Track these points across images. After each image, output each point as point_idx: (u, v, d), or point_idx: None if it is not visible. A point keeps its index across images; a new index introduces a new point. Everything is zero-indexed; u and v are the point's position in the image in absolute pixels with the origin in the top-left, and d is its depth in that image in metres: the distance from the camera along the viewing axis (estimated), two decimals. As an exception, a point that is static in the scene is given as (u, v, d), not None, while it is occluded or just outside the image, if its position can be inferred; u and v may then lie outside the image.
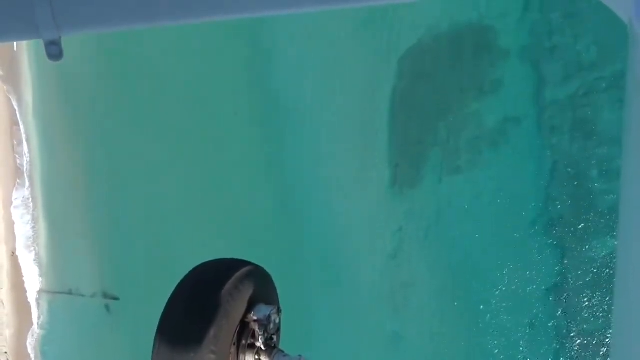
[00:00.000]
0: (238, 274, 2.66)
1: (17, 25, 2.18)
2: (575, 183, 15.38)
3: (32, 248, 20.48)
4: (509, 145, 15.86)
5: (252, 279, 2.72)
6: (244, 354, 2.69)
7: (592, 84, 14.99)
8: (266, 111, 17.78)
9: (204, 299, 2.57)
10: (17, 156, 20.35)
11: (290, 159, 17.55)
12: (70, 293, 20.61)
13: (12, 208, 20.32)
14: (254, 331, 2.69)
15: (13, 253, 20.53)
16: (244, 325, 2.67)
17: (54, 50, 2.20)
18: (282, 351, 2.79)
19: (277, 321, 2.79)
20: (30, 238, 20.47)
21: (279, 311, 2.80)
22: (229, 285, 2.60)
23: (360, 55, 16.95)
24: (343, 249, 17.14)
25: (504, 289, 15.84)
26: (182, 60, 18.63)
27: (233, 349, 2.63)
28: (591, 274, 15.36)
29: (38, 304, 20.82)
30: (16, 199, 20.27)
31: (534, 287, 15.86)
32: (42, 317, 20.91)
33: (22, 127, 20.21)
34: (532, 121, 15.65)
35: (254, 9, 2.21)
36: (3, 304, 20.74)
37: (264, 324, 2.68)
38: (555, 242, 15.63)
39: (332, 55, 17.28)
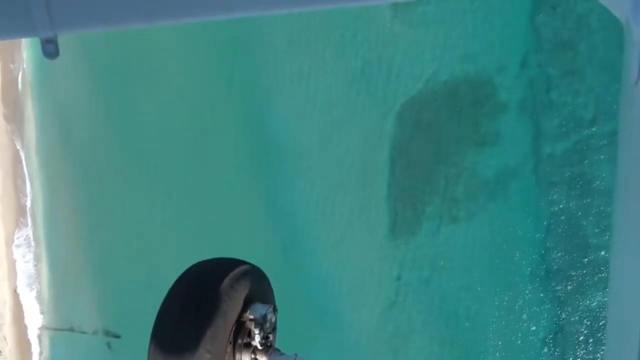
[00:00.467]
0: (234, 273, 2.67)
1: (14, 23, 2.20)
2: (572, 236, 15.49)
3: (34, 286, 20.66)
4: (506, 197, 15.98)
5: (248, 278, 2.72)
6: (240, 352, 2.68)
7: (589, 140, 15.11)
8: (264, 158, 17.93)
9: (200, 298, 2.57)
10: (20, 194, 20.53)
11: (288, 207, 17.69)
12: (71, 330, 20.77)
13: (14, 246, 20.50)
14: (250, 330, 2.70)
15: (15, 290, 20.72)
16: (240, 324, 2.67)
17: (50, 49, 2.22)
18: (279, 350, 2.79)
19: (273, 320, 2.79)
20: (32, 276, 20.65)
21: (275, 310, 2.80)
22: (224, 285, 2.61)
23: (359, 103, 17.09)
24: (341, 296, 17.27)
25: (500, 341, 15.97)
26: (181, 106, 18.80)
27: (229, 348, 2.62)
28: (586, 326, 15.48)
29: (40, 341, 21.00)
30: (18, 237, 20.45)
31: (532, 337, 16.00)
32: (43, 353, 21.09)
33: (25, 165, 20.39)
34: (530, 174, 15.77)
35: (252, 8, 2.23)
36: (5, 339, 20.92)
37: (260, 322, 2.68)
38: (551, 294, 15.75)
39: (331, 102, 17.43)
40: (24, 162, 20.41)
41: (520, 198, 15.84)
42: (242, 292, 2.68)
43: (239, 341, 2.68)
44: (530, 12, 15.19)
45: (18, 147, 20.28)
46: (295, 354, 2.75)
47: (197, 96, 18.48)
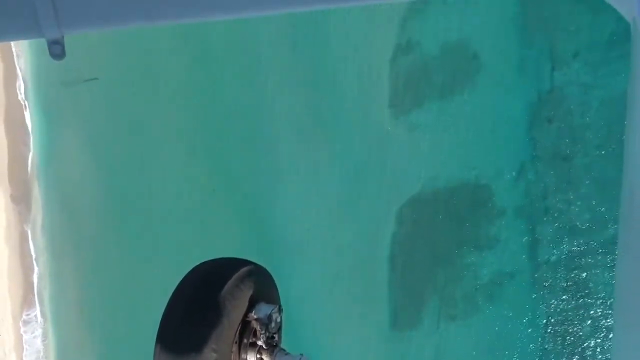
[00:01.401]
0: (239, 273, 2.65)
1: (20, 25, 2.20)
2: (568, 338, 15.90)
3: (42, 361, 21.08)
4: (503, 298, 16.38)
5: (253, 278, 2.71)
6: (246, 352, 2.67)
7: (584, 248, 15.49)
8: (265, 248, 18.26)
9: (205, 298, 2.56)
10: (28, 271, 20.92)
11: (289, 298, 17.99)
12: (78, 404, 21.16)
13: (21, 322, 20.90)
14: (255, 330, 2.68)
15: (23, 366, 21.12)
16: (245, 324, 2.67)
17: (57, 50, 2.22)
18: (284, 350, 2.79)
19: (279, 320, 2.77)
20: (40, 351, 21.06)
21: (280, 310, 2.78)
22: (229, 285, 2.59)
23: (361, 199, 17.45)
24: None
25: None
26: (182, 191, 19.20)
27: (235, 348, 2.61)
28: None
29: (47, 413, 21.40)
30: (28, 313, 20.84)
31: None
32: None
33: (32, 245, 20.78)
34: (527, 277, 16.17)
35: (255, 8, 2.24)
36: (13, 412, 21.33)
37: (265, 322, 2.67)
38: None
39: (334, 194, 17.78)
40: (30, 241, 20.80)
41: (517, 299, 16.23)
42: (248, 291, 2.67)
43: (245, 341, 2.67)
44: (528, 124, 15.56)
45: (25, 227, 20.66)
46: (301, 354, 2.77)
47: (199, 189, 18.87)
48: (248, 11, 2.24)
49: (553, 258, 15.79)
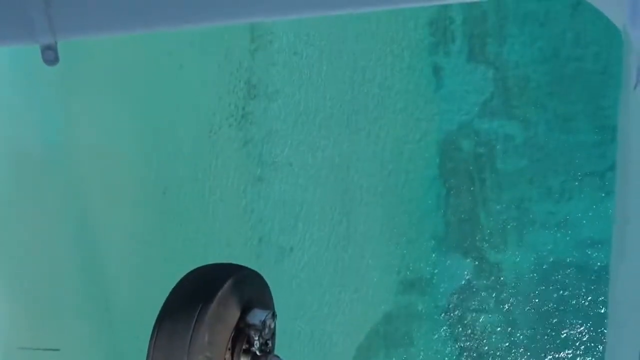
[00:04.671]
0: (232, 279, 2.65)
1: (13, 30, 2.22)
2: None
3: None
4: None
5: (247, 284, 2.72)
6: (239, 359, 2.66)
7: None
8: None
9: (198, 304, 2.53)
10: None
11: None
12: None
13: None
14: (249, 336, 2.67)
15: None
16: (239, 331, 2.66)
17: (50, 56, 2.23)
18: (278, 356, 2.78)
19: (272, 326, 2.76)
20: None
21: (274, 316, 2.78)
22: (223, 290, 2.58)
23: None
24: None
25: None
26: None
27: (228, 355, 2.60)
28: None
29: None
30: None
31: None
32: None
33: None
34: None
35: (253, 14, 2.23)
36: None
37: (259, 329, 2.66)
38: None
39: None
40: None
41: None
42: (241, 297, 2.67)
43: (238, 347, 2.66)
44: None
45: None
46: None
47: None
48: (248, 16, 2.26)
49: None
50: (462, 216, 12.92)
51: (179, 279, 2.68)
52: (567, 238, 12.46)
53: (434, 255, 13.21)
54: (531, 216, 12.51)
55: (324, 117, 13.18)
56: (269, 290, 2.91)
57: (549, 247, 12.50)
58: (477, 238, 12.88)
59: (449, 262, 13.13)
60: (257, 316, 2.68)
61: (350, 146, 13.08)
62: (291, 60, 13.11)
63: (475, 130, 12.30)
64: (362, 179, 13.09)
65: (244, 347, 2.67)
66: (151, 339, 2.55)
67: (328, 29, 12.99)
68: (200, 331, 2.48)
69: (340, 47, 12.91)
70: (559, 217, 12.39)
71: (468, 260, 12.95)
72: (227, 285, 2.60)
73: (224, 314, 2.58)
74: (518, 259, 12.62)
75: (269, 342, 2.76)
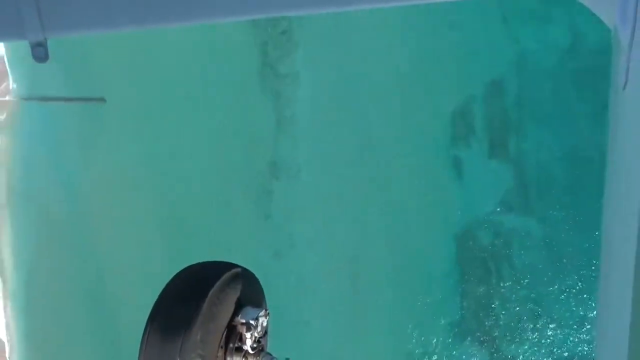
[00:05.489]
0: (224, 277, 2.63)
1: (3, 27, 2.20)
2: None
3: None
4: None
5: (239, 282, 2.70)
6: (232, 357, 2.64)
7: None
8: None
9: (190, 302, 2.52)
10: None
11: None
12: None
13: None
14: (241, 334, 2.65)
15: None
16: (231, 329, 2.64)
17: (40, 52, 2.22)
18: (270, 354, 2.76)
19: (265, 324, 2.74)
20: None
21: (266, 314, 2.76)
22: (215, 288, 2.56)
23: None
24: None
25: None
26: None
27: (220, 352, 2.59)
28: None
29: None
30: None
31: None
32: None
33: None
34: None
35: (243, 12, 2.22)
36: None
37: (252, 326, 2.64)
38: None
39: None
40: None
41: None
42: (233, 295, 2.66)
43: (230, 345, 2.64)
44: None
45: None
46: (287, 359, 2.78)
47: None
48: (241, 15, 2.25)
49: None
50: (478, 306, 12.82)
51: (170, 277, 2.69)
52: (585, 336, 12.30)
53: (449, 340, 13.11)
54: (547, 313, 12.39)
55: (343, 199, 13.28)
56: (261, 288, 2.91)
57: (564, 345, 12.35)
58: (492, 329, 12.75)
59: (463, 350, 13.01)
60: (249, 314, 2.68)
61: (368, 231, 13.13)
62: (314, 144, 13.25)
63: (493, 223, 12.29)
64: (378, 264, 13.10)
65: (236, 345, 2.67)
66: (143, 336, 2.54)
67: (350, 115, 13.14)
68: (193, 329, 2.49)
69: (361, 134, 13.04)
70: (576, 316, 12.26)
71: (483, 350, 12.81)
72: (219, 283, 2.61)
73: (216, 312, 2.58)
74: (533, 356, 12.44)
75: (262, 340, 2.76)
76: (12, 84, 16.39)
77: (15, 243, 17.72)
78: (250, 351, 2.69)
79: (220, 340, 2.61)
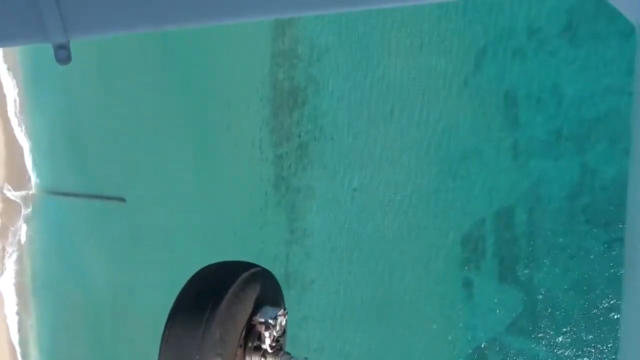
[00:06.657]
0: (243, 276, 2.64)
1: (25, 29, 2.21)
2: None
3: None
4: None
5: (258, 281, 2.70)
6: (250, 356, 2.66)
7: None
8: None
9: (209, 301, 2.54)
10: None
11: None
12: None
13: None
14: (260, 333, 2.67)
15: None
16: (250, 328, 2.66)
17: (63, 55, 2.23)
18: (289, 353, 2.76)
19: (283, 323, 2.75)
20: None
21: (285, 313, 2.77)
22: (234, 288, 2.58)
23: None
24: None
25: None
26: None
27: (239, 352, 2.60)
28: None
29: None
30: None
31: None
32: None
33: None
34: None
35: (263, 11, 2.23)
36: None
37: (270, 326, 2.66)
38: None
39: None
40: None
41: None
42: (252, 295, 2.66)
43: (249, 344, 2.65)
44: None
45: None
46: (305, 358, 2.76)
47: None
48: (258, 14, 2.24)
49: None
50: None
51: (189, 277, 2.71)
52: None
53: None
54: None
55: (354, 310, 13.56)
56: (280, 287, 2.90)
57: None
58: None
59: None
60: (267, 313, 2.68)
61: (380, 343, 13.40)
62: (325, 254, 13.52)
63: (502, 345, 12.49)
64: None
65: (255, 344, 2.67)
66: (163, 336, 2.55)
67: (362, 225, 13.37)
68: (212, 329, 2.49)
69: (372, 246, 13.28)
70: None
71: None
72: (238, 282, 2.61)
73: (234, 311, 2.58)
74: None
75: (280, 340, 2.75)
76: (34, 179, 16.88)
77: (38, 327, 18.31)
78: (269, 350, 2.70)
79: (239, 340, 2.61)
